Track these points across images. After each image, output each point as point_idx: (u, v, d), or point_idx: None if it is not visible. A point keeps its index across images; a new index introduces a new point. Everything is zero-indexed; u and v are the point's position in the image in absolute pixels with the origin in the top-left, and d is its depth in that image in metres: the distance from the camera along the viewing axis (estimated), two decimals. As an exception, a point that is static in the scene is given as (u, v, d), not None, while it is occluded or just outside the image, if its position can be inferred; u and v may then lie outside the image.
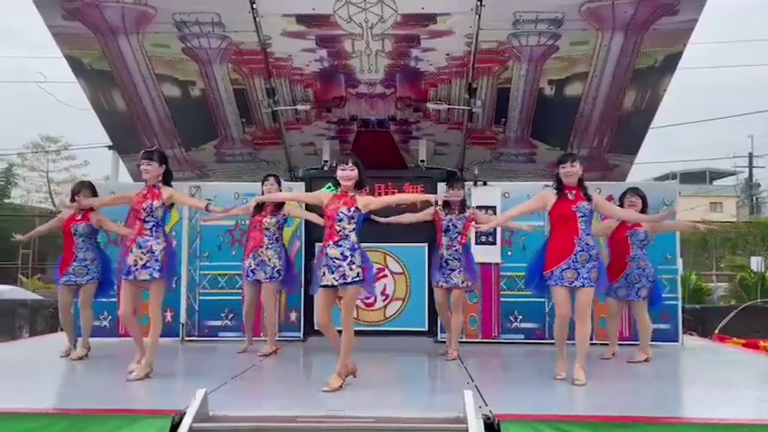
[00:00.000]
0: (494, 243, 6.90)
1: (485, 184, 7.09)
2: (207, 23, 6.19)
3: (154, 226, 4.83)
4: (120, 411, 3.61)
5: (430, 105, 7.32)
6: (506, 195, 6.85)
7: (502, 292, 6.83)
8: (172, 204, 4.97)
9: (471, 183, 7.06)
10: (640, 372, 5.49)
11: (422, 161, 7.83)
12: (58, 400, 4.47)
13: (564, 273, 4.63)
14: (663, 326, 6.71)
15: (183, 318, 6.96)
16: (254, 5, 5.95)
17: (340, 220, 4.40)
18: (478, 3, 5.85)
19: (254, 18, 6.09)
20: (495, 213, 6.90)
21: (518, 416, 3.50)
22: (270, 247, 5.98)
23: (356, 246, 4.43)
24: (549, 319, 6.78)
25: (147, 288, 4.88)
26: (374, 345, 6.44)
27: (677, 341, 6.72)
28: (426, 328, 6.99)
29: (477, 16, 5.99)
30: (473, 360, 5.74)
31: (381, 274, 7.23)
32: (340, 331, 4.48)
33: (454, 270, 5.78)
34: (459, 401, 3.45)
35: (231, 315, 6.89)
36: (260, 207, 5.96)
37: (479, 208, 6.88)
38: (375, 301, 7.17)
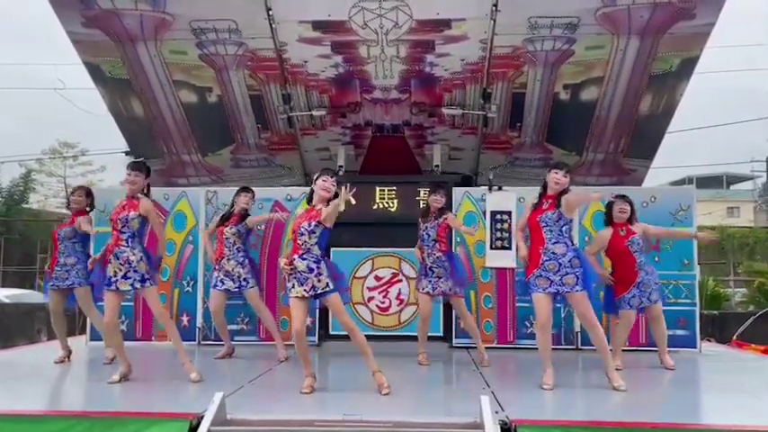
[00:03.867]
0: (509, 248, 6.87)
1: (500, 188, 7.08)
2: (224, 30, 6.26)
3: (130, 237, 4.85)
4: (138, 414, 3.65)
5: (445, 110, 7.33)
6: (521, 200, 6.82)
7: (517, 298, 6.80)
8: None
9: (486, 188, 7.06)
10: (657, 378, 5.46)
11: (436, 166, 7.84)
12: (77, 403, 4.52)
13: (537, 280, 4.71)
14: (680, 332, 6.66)
15: (199, 322, 7.01)
16: (271, 12, 6.01)
17: (301, 234, 4.48)
18: (493, 8, 5.87)
19: (271, 25, 6.15)
20: (510, 218, 6.91)
21: (534, 421, 3.51)
22: (231, 258, 6.03)
23: (320, 258, 4.49)
24: (566, 324, 6.76)
25: (139, 295, 4.99)
26: (389, 349, 6.43)
27: (695, 347, 6.66)
28: (441, 333, 6.98)
29: (493, 21, 6.00)
30: (489, 365, 5.74)
31: (396, 279, 7.24)
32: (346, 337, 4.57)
33: (441, 278, 5.76)
34: (475, 406, 3.45)
35: (247, 319, 6.92)
36: (224, 219, 6.14)
37: (494, 213, 6.92)
38: (390, 305, 7.19)
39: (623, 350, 5.74)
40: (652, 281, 5.60)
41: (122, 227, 4.85)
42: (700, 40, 6.27)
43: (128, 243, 4.84)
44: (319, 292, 4.45)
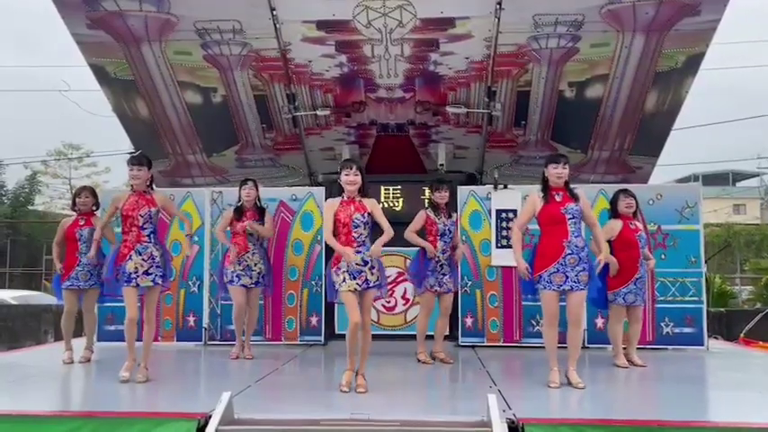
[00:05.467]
0: (514, 247, 6.86)
1: (505, 187, 7.06)
2: (228, 31, 6.27)
3: (152, 232, 4.89)
4: (146, 414, 3.66)
5: (449, 109, 7.33)
6: (527, 198, 6.80)
7: (523, 296, 6.77)
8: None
9: (492, 186, 7.05)
10: (664, 375, 5.44)
11: (441, 165, 7.84)
12: (85, 404, 4.54)
13: (552, 276, 4.57)
14: (688, 329, 6.64)
15: (205, 322, 7.01)
16: (275, 12, 6.01)
17: (356, 227, 4.45)
18: (498, 6, 5.85)
19: (275, 25, 6.15)
20: (515, 216, 6.88)
21: (542, 420, 3.49)
22: (255, 252, 6.02)
23: None
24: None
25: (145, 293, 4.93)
26: (396, 349, 6.44)
27: (702, 345, 6.64)
28: (447, 332, 6.96)
29: (497, 19, 5.99)
30: (495, 364, 5.74)
31: (401, 279, 7.23)
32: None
33: (446, 275, 5.79)
34: (482, 405, 3.44)
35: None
36: (240, 213, 6.07)
37: (500, 211, 6.91)
38: (396, 305, 7.19)
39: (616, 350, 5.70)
40: (646, 280, 5.62)
41: (144, 223, 4.86)
42: (705, 36, 6.24)
43: (150, 239, 4.87)
44: (371, 285, 4.42)
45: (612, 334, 5.66)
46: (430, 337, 5.98)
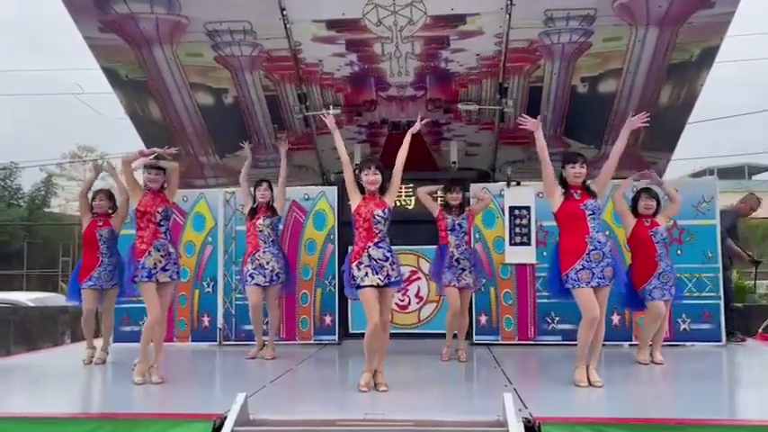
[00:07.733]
0: (528, 244, 6.83)
1: (518, 184, 7.03)
2: (238, 31, 6.27)
3: (167, 230, 5.01)
4: (162, 415, 3.68)
5: (461, 106, 7.28)
6: (540, 195, 6.76)
7: (537, 294, 6.75)
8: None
9: (504, 183, 7.01)
10: (682, 372, 5.40)
11: (453, 163, 7.80)
12: (101, 405, 4.57)
13: (579, 274, 4.54)
14: (705, 326, 6.57)
15: (220, 322, 7.05)
16: (285, 12, 6.00)
17: (377, 223, 4.51)
18: (509, 2, 5.80)
19: (285, 25, 6.14)
20: (529, 213, 6.87)
21: (558, 418, 3.47)
22: (266, 250, 6.05)
23: (392, 247, 4.58)
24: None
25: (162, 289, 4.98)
26: (410, 347, 6.43)
27: (720, 341, 6.57)
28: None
29: (508, 15, 5.93)
30: (510, 362, 5.71)
31: (415, 277, 7.22)
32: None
33: (465, 270, 5.79)
34: (498, 404, 3.43)
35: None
36: (253, 212, 6.18)
37: (513, 208, 6.89)
38: (409, 303, 7.17)
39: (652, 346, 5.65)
40: (672, 274, 5.54)
41: (162, 219, 4.96)
42: (719, 29, 6.15)
43: (166, 235, 4.98)
44: (392, 281, 4.47)
45: (643, 329, 5.64)
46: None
